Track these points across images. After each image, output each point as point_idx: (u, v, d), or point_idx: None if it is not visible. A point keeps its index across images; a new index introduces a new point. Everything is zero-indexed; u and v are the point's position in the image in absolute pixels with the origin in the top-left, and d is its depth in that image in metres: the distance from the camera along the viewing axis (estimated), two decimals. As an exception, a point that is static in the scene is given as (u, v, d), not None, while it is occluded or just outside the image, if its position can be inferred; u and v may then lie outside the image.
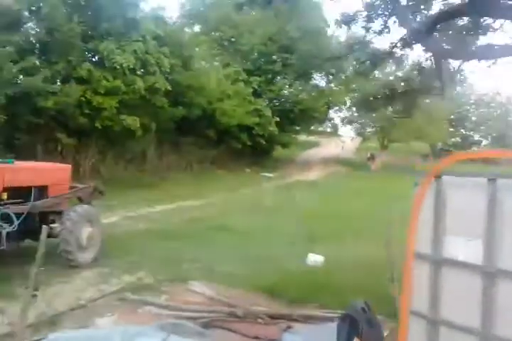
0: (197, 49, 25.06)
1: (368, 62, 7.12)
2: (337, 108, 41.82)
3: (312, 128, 41.02)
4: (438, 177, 2.42)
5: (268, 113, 29.73)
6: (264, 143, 30.57)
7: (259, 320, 4.92)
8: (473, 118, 55.24)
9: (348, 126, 45.22)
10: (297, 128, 36.82)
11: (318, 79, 40.20)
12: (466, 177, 2.46)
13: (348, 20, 6.41)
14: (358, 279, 6.55)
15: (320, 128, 44.52)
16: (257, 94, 31.47)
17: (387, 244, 5.81)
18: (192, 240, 10.75)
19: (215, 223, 13.00)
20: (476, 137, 56.42)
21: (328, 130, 45.62)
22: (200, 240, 10.80)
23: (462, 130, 55.92)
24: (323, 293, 6.37)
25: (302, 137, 41.31)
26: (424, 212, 2.44)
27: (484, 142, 55.98)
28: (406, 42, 6.46)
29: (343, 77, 38.43)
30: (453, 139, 54.23)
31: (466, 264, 2.27)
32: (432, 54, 6.54)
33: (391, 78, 30.94)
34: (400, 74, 31.36)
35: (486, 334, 2.10)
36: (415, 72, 6.69)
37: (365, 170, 35.01)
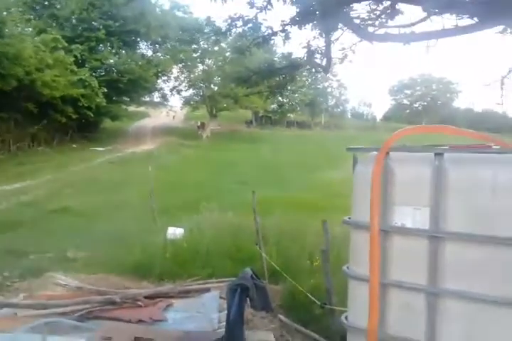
0: (5, 13, 21.79)
1: (257, 39, 7.19)
2: (165, 77, 41.11)
3: (142, 98, 39.68)
4: (386, 153, 2.56)
5: (94, 83, 27.77)
6: (91, 115, 28.62)
7: (139, 303, 4.84)
8: (289, 87, 59.86)
9: (177, 96, 45.01)
10: (126, 98, 35.24)
11: (145, 49, 39.00)
12: (413, 153, 2.59)
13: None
14: (221, 246, 6.86)
15: (149, 99, 43.29)
16: (80, 63, 29.05)
17: (254, 211, 6.28)
18: (32, 227, 9.86)
19: (53, 206, 12.08)
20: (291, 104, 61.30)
21: (158, 100, 44.65)
22: (42, 226, 9.94)
23: (280, 97, 60.03)
24: (189, 264, 6.54)
25: (132, 108, 39.77)
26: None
27: (298, 108, 61.42)
28: (296, 21, 6.68)
29: (169, 46, 37.84)
30: (272, 106, 58.15)
31: (413, 230, 2.46)
32: (321, 33, 6.94)
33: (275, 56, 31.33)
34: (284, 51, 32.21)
35: (432, 289, 2.39)
36: (304, 50, 6.99)
37: (197, 138, 35.65)
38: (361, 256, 2.60)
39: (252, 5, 6.77)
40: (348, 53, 7.68)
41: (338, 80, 60.34)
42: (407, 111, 68.68)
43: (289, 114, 57.48)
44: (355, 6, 6.52)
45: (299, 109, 58.33)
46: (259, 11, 6.76)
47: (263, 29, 7.40)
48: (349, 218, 2.80)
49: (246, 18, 7.03)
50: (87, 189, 15.02)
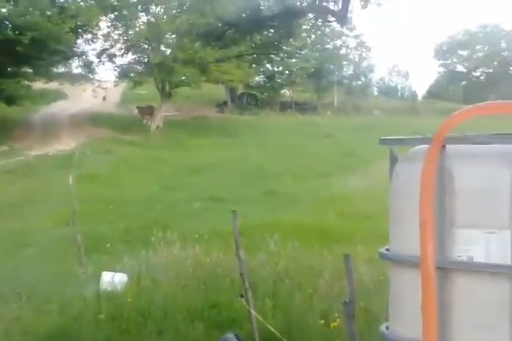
0: None
1: None
2: (89, 36, 40.99)
3: (53, 69, 39.50)
4: (442, 147, 2.53)
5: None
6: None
7: None
8: (283, 47, 59.48)
9: (109, 65, 44.76)
10: (29, 70, 34.94)
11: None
12: (482, 146, 2.55)
13: None
14: (187, 300, 6.87)
15: (65, 69, 43.05)
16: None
17: (236, 243, 6.26)
18: None
19: None
20: (287, 74, 61.29)
21: (79, 71, 44.37)
22: None
23: (268, 65, 59.85)
24: (137, 331, 6.54)
25: (39, 84, 39.50)
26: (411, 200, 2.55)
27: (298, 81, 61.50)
28: None
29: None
30: (257, 78, 58.16)
31: (487, 266, 2.43)
32: None
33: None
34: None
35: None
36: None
37: (141, 131, 35.48)
38: (407, 308, 2.59)
39: None
40: None
41: (356, 36, 60.76)
42: (463, 82, 69.23)
43: (283, 90, 57.64)
44: None
45: (298, 82, 58.51)
46: None
47: None
48: (387, 249, 2.80)
49: None
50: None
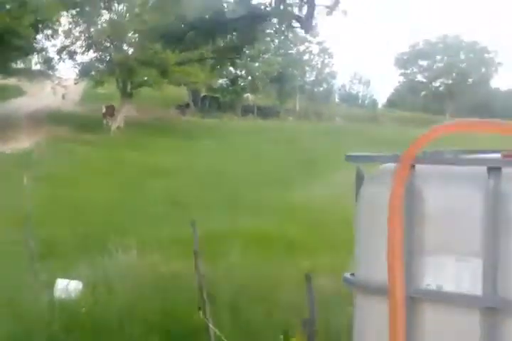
0: None
1: None
2: (50, 31, 40.41)
3: (11, 65, 38.87)
4: (411, 166, 2.35)
5: None
6: None
7: None
8: (246, 51, 59.49)
9: (70, 62, 44.22)
10: (-15, 65, 34.31)
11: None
12: (451, 166, 2.46)
13: None
14: (144, 311, 6.77)
15: (24, 65, 42.47)
16: None
17: (195, 253, 6.18)
18: None
19: None
20: (249, 78, 61.18)
21: (38, 67, 43.74)
22: None
23: (231, 68, 59.76)
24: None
25: (-5, 80, 38.92)
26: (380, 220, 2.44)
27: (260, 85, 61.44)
28: None
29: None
30: (220, 81, 58.03)
31: (458, 296, 2.35)
32: None
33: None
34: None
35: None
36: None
37: (101, 131, 35.13)
38: (373, 338, 2.54)
39: None
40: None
41: (320, 43, 61.17)
42: (423, 92, 70.15)
43: (246, 94, 57.69)
44: None
45: (261, 86, 58.58)
46: None
47: None
48: (352, 274, 2.71)
49: None
50: None
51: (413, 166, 2.39)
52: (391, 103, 70.38)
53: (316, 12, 7.63)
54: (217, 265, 7.49)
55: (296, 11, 8.00)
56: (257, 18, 8.43)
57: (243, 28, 8.69)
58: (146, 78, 41.93)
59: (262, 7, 8.33)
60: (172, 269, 7.72)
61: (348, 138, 31.71)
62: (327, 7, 7.79)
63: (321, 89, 65.36)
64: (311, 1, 6.99)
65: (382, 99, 74.23)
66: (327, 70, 64.76)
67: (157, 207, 15.64)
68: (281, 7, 7.55)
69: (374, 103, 68.30)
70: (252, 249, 9.78)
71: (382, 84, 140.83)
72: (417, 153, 2.39)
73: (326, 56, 63.28)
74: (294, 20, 8.44)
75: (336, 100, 69.04)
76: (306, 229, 12.67)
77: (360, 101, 70.28)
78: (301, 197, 17.57)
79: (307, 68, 63.59)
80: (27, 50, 38.43)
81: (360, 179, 2.71)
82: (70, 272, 8.30)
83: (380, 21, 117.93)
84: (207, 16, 9.17)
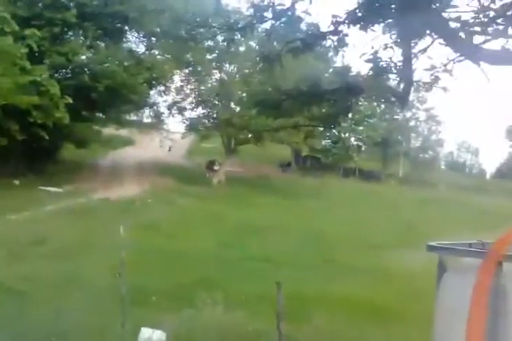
0: None
1: (294, 43, 7.02)
2: (162, 88, 41.98)
3: (125, 116, 40.44)
4: (498, 263, 2.34)
5: (54, 89, 28.39)
6: (46, 137, 29.16)
7: None
8: (349, 115, 59.74)
9: (178, 117, 45.61)
10: (101, 115, 35.85)
11: (135, 42, 40.17)
12: None
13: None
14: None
15: (136, 118, 44.12)
16: (36, 57, 29.92)
17: (278, 316, 5.96)
18: None
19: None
20: (353, 141, 61.14)
21: (149, 120, 45.35)
22: None
23: (335, 130, 60.15)
24: None
25: (109, 130, 40.50)
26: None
27: (363, 148, 61.19)
28: (358, 18, 6.48)
29: (171, 41, 38.68)
30: (324, 142, 58.24)
31: None
32: (398, 38, 6.68)
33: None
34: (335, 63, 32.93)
35: None
36: (369, 64, 6.65)
37: (203, 184, 35.72)
38: None
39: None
40: (441, 75, 7.42)
41: (427, 110, 60.57)
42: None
43: (348, 157, 57.32)
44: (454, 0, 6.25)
45: (364, 149, 58.34)
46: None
47: (304, 27, 7.21)
48: None
49: (278, 8, 6.82)
50: (24, 251, 15.02)
51: (500, 263, 2.33)
52: (501, 174, 67.99)
53: (415, 86, 7.43)
54: (301, 327, 7.19)
55: (393, 83, 7.88)
56: (353, 90, 8.32)
57: (339, 99, 8.62)
58: (250, 135, 42.48)
59: (360, 78, 8.24)
60: (256, 327, 7.49)
61: (452, 206, 30.84)
62: (425, 83, 7.55)
63: (427, 155, 64.20)
64: (409, 76, 6.76)
65: (490, 169, 72.06)
66: (434, 137, 63.76)
67: (249, 262, 15.52)
68: (379, 81, 7.40)
69: (482, 172, 66.35)
70: (339, 313, 9.45)
71: (492, 154, 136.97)
72: (505, 250, 2.33)
73: (434, 123, 62.41)
74: (390, 95, 8.31)
75: (442, 167, 67.59)
76: (399, 297, 12.16)
77: (467, 170, 68.51)
78: (398, 263, 16.97)
79: (413, 134, 62.90)
80: (140, 104, 39.95)
81: (442, 269, 2.68)
82: (155, 321, 8.23)
83: (492, 92, 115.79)
84: (304, 88, 9.16)
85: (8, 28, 25.90)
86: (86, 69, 33.30)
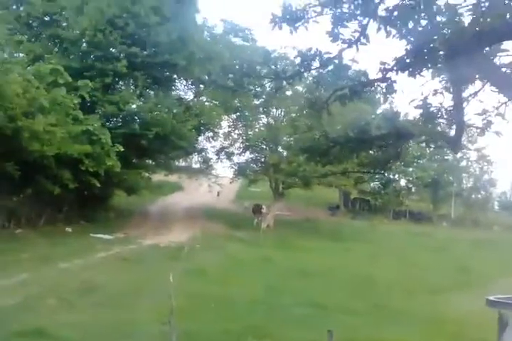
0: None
1: (341, 90, 7.07)
2: (211, 133, 42.45)
3: (174, 163, 40.94)
4: None
5: (106, 138, 28.94)
6: (97, 185, 29.59)
7: None
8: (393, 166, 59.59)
9: (227, 162, 45.95)
10: (151, 162, 36.33)
11: (184, 90, 40.95)
12: None
13: (294, 18, 6.23)
14: None
15: (185, 164, 44.61)
16: (88, 107, 30.70)
17: None
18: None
19: (20, 326, 12.15)
20: (403, 182, 60.62)
21: (197, 166, 45.81)
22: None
23: (383, 171, 59.92)
24: None
25: (158, 176, 40.97)
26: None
27: (413, 190, 60.42)
28: (406, 64, 6.47)
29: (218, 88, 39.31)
30: (372, 184, 57.87)
31: None
32: (448, 84, 6.65)
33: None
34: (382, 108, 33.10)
35: None
36: (418, 109, 6.66)
37: (252, 229, 35.68)
38: None
39: (335, 37, 6.59)
40: (494, 119, 7.31)
41: (478, 150, 59.65)
42: None
43: (398, 199, 56.71)
44: (504, 44, 6.18)
45: (414, 191, 57.67)
46: (346, 46, 6.57)
47: (352, 75, 7.23)
48: None
49: (326, 56, 6.85)
50: (74, 299, 15.07)
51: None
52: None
53: (467, 131, 7.34)
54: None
55: (444, 128, 7.78)
56: (403, 136, 8.23)
57: (389, 144, 8.54)
58: (297, 179, 42.41)
59: (409, 124, 8.16)
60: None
61: (507, 248, 30.04)
62: (478, 128, 7.44)
63: (479, 196, 63.01)
64: (460, 121, 6.68)
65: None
66: (486, 177, 62.63)
67: (299, 308, 15.24)
68: (429, 126, 7.34)
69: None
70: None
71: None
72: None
73: (485, 163, 61.38)
74: (441, 141, 8.22)
75: (495, 208, 66.15)
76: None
77: (521, 211, 66.81)
78: (452, 309, 16.49)
79: (464, 175, 61.97)
80: (189, 150, 40.18)
81: (503, 325, 2.67)
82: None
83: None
84: (352, 134, 9.11)
85: (61, 79, 26.66)
86: (136, 118, 33.95)
